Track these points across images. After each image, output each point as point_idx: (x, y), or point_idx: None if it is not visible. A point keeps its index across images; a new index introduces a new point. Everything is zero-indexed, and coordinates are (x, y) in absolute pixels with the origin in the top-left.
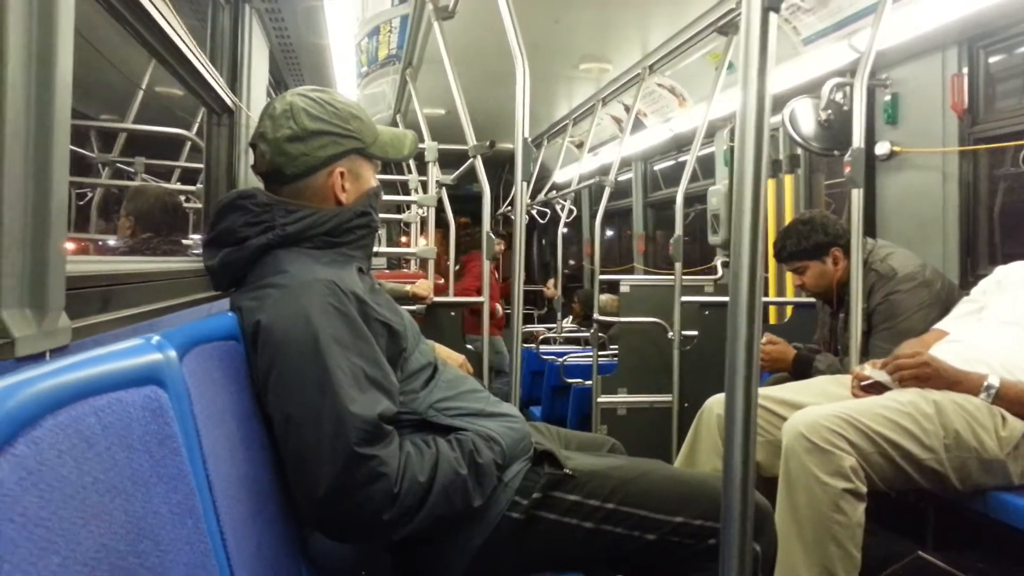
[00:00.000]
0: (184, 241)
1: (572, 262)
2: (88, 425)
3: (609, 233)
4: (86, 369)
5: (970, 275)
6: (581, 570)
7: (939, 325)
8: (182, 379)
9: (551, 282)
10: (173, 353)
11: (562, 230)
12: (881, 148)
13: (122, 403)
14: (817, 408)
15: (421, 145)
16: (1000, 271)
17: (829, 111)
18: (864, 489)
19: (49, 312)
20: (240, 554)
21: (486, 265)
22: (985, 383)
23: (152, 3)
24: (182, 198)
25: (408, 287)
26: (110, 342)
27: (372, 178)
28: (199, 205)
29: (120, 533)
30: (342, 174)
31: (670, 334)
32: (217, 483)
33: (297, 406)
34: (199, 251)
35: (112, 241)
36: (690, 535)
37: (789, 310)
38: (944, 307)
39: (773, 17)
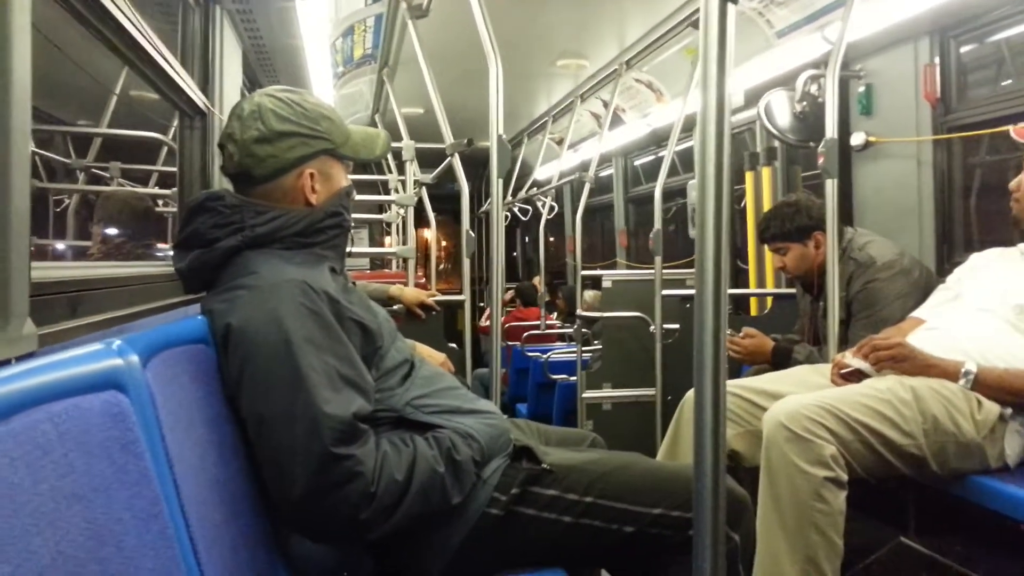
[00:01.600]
0: (159, 245)
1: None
2: (43, 431)
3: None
4: (41, 375)
5: (946, 262)
6: (561, 565)
7: (916, 313)
8: (145, 384)
9: (536, 279)
10: (135, 358)
11: (543, 227)
12: (856, 138)
13: (80, 409)
14: (797, 397)
15: (397, 144)
16: (974, 258)
17: (804, 103)
18: (845, 477)
19: (13, 318)
20: (212, 558)
21: (466, 264)
22: (963, 369)
23: (116, 5)
24: (159, 202)
25: (392, 288)
26: (79, 348)
27: (343, 179)
28: (175, 208)
29: (79, 540)
30: (312, 175)
31: (652, 328)
32: (186, 487)
33: (270, 408)
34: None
35: (72, 247)
36: (668, 526)
37: (769, 301)
38: (922, 295)
39: (732, 8)
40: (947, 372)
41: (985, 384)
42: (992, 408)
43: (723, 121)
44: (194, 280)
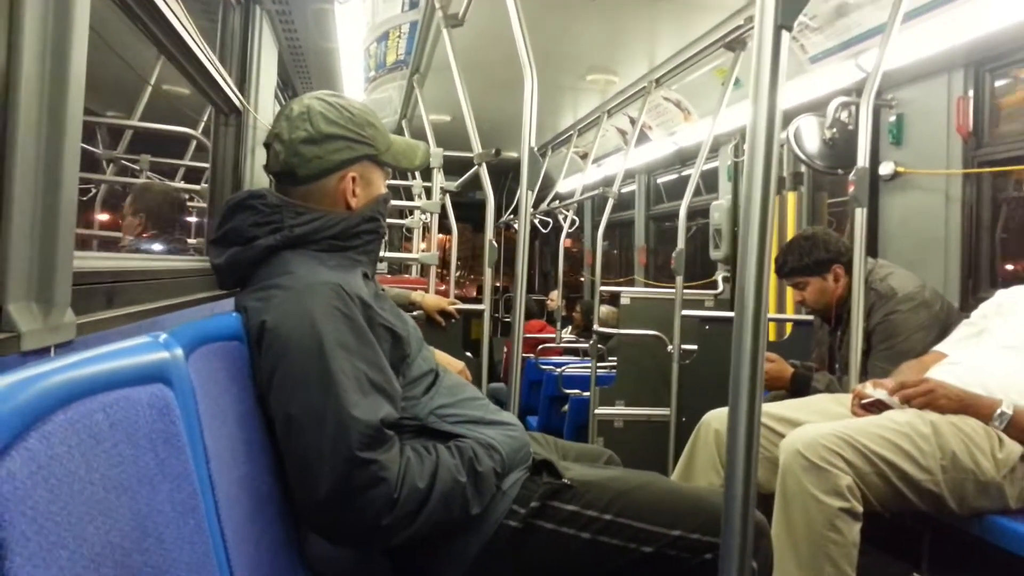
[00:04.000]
0: (189, 240)
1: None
2: (96, 421)
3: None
4: (95, 365)
5: (971, 297)
6: None
7: (938, 347)
8: (188, 378)
9: (554, 293)
10: (180, 351)
11: (563, 240)
12: (885, 168)
13: (129, 400)
14: (815, 426)
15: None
16: (1001, 295)
17: (834, 130)
18: (860, 509)
19: (55, 307)
20: (239, 554)
21: (488, 273)
22: (999, 411)
23: (165, 1)
24: (186, 196)
25: (414, 294)
26: (114, 339)
27: (382, 186)
28: (203, 204)
29: (125, 530)
30: (354, 179)
31: (669, 347)
32: (219, 483)
33: (299, 409)
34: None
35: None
36: (687, 549)
37: (789, 327)
38: (943, 328)
39: (785, 34)
40: (981, 411)
41: (1019, 426)
42: (1014, 448)
43: (772, 142)
44: (229, 276)
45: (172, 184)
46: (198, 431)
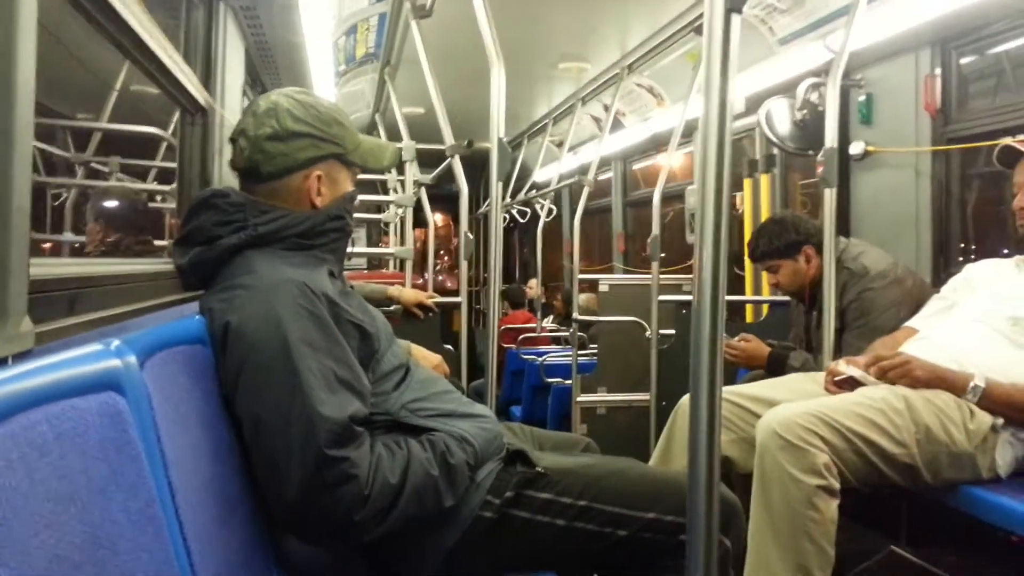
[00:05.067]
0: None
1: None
2: (40, 433)
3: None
4: (39, 376)
5: (942, 273)
6: (554, 569)
7: (909, 323)
8: (142, 384)
9: (533, 281)
10: (132, 358)
11: (541, 229)
12: (855, 148)
13: (77, 410)
14: (791, 406)
15: (399, 145)
16: (970, 268)
17: (804, 111)
18: (837, 486)
19: (11, 316)
20: (205, 560)
21: (463, 266)
22: (972, 384)
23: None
24: (157, 197)
25: (390, 289)
26: (76, 347)
27: (349, 184)
28: (173, 205)
29: (75, 543)
30: (319, 178)
31: (648, 333)
32: (181, 489)
33: (266, 409)
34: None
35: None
36: (661, 531)
37: (765, 308)
38: (915, 304)
39: (736, 18)
40: (955, 385)
41: (991, 399)
42: (984, 418)
43: (724, 129)
44: (193, 277)
45: (138, 186)
46: (154, 437)
